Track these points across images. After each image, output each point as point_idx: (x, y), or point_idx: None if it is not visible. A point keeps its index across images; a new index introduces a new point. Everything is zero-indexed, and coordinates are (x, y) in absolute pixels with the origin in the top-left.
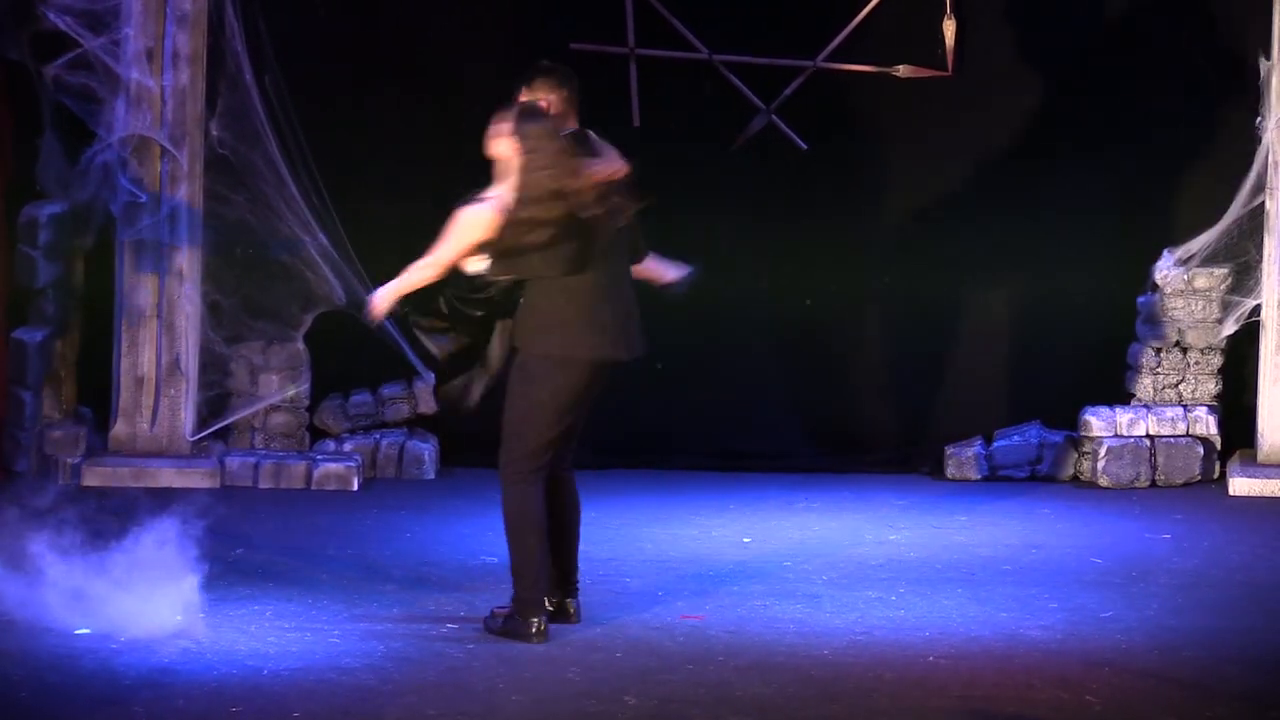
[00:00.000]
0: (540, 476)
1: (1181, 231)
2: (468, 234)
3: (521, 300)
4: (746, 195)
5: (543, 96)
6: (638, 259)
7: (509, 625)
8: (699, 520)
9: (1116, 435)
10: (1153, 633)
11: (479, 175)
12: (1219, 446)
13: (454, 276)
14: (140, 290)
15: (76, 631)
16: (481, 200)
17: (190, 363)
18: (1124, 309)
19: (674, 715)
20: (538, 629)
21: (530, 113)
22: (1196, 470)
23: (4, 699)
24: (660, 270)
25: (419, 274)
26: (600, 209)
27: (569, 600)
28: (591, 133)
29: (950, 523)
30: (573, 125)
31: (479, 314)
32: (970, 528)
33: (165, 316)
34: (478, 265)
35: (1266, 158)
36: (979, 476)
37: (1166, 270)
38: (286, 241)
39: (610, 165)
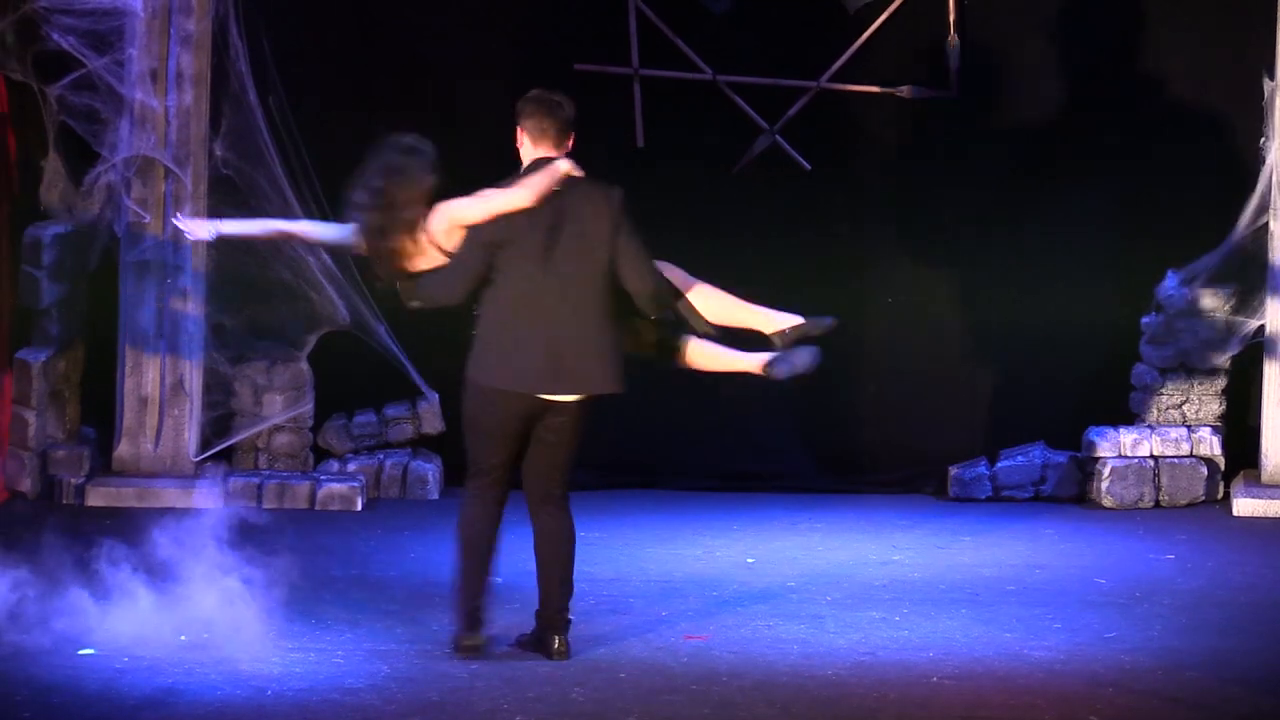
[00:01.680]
0: (484, 498)
1: (1186, 252)
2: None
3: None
4: (750, 216)
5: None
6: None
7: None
8: (703, 541)
9: (1121, 456)
10: (1157, 653)
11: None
12: (1223, 467)
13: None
14: (144, 310)
15: (80, 652)
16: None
17: (194, 383)
18: (1128, 329)
19: None
20: (460, 644)
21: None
22: (1200, 491)
23: None
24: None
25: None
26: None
27: (548, 633)
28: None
29: (954, 543)
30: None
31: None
32: (974, 548)
33: (169, 337)
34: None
35: (1271, 178)
36: (983, 497)
37: (1171, 291)
38: (290, 261)
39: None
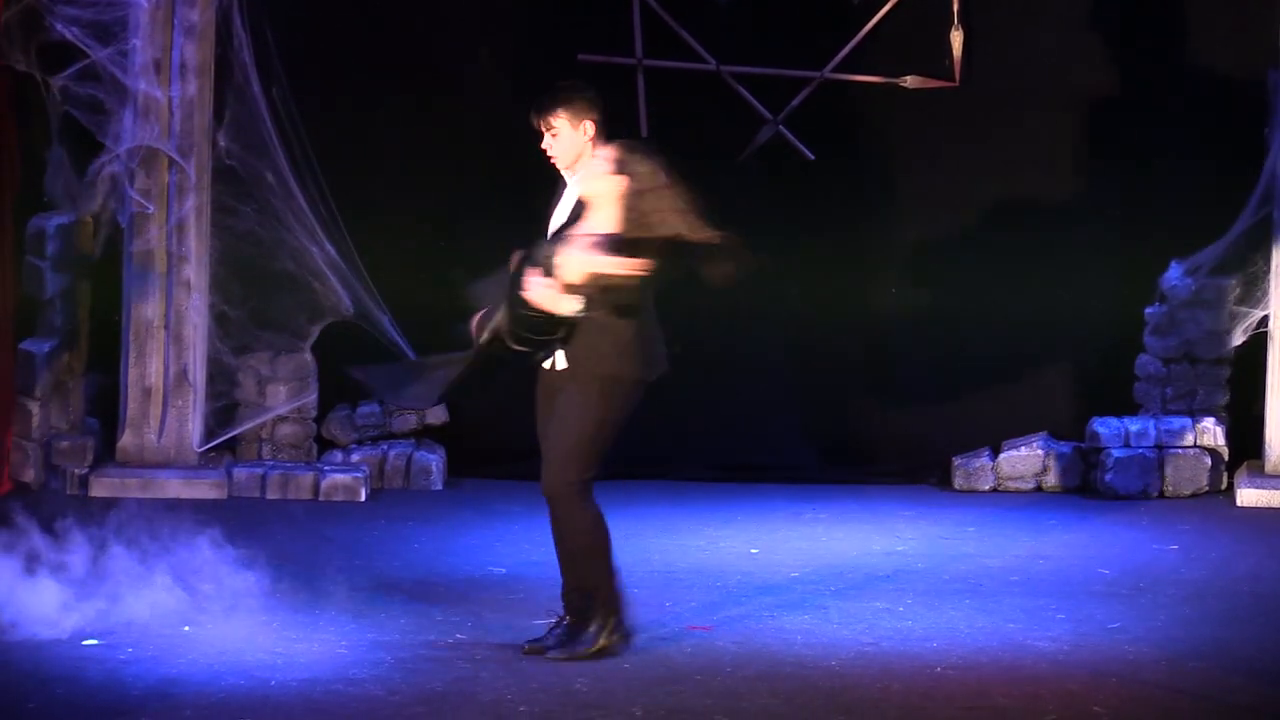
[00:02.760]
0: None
1: (1189, 243)
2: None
3: (584, 323)
4: (754, 206)
5: (588, 119)
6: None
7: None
8: (707, 531)
9: (1124, 446)
10: (1160, 644)
11: (485, 187)
12: (1227, 457)
13: (523, 315)
14: (147, 301)
15: (84, 642)
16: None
17: (198, 374)
18: (1132, 320)
19: None
20: (624, 637)
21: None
22: (1204, 481)
23: (11, 711)
24: None
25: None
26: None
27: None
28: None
29: (958, 534)
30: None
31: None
32: (978, 539)
33: (173, 327)
34: (572, 305)
35: (1275, 168)
36: (986, 487)
37: (1174, 281)
38: (294, 252)
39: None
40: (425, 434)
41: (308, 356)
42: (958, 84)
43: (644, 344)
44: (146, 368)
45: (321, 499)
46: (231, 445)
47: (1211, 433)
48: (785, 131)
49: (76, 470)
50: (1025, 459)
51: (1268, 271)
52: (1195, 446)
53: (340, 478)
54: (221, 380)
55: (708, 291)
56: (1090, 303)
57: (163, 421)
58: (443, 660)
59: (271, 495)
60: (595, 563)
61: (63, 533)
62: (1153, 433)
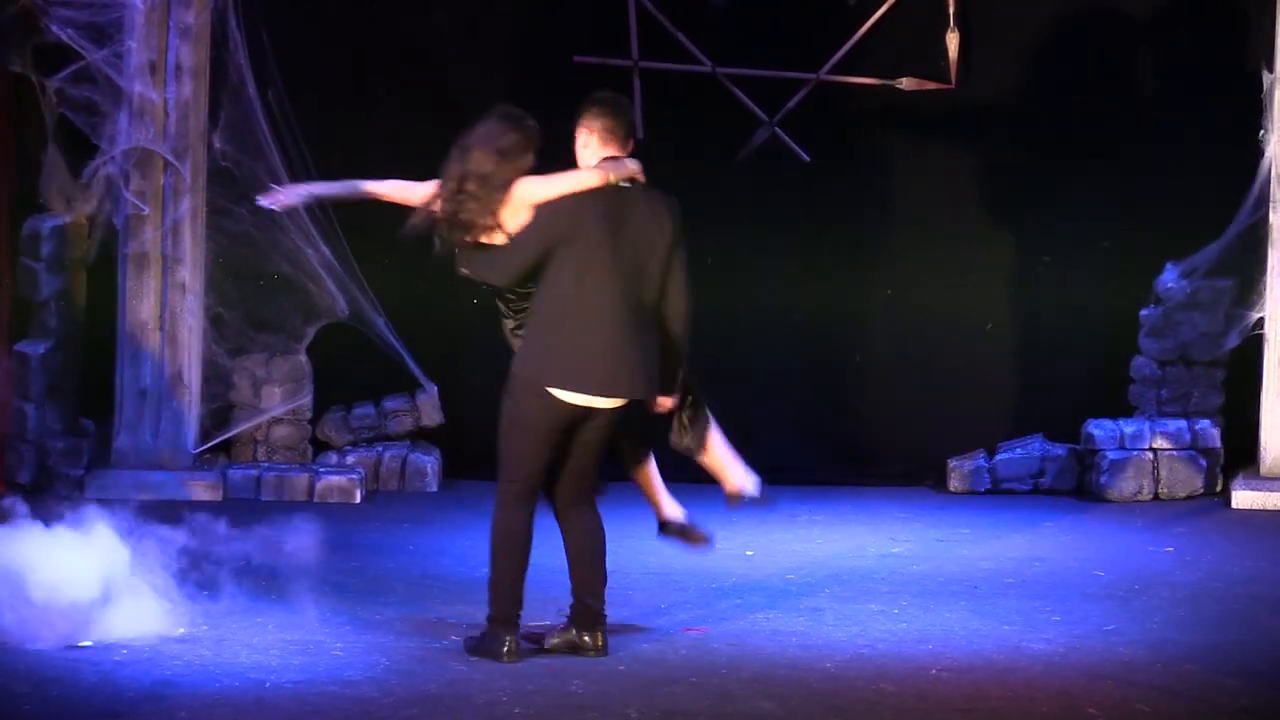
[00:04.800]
0: (525, 502)
1: (1185, 245)
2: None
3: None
4: (750, 207)
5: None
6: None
7: (481, 643)
8: None
9: (1120, 448)
10: (1155, 646)
11: None
12: (1222, 459)
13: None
14: (143, 303)
15: (79, 644)
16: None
17: (193, 375)
18: (1127, 322)
19: None
20: (508, 648)
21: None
22: (1199, 483)
23: (7, 713)
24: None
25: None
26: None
27: (584, 633)
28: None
29: (953, 536)
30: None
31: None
32: (973, 541)
33: (168, 329)
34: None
35: (1269, 171)
36: (982, 489)
37: (1170, 283)
38: (289, 253)
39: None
40: (420, 436)
41: (303, 358)
42: (953, 86)
43: (559, 350)
44: (141, 369)
45: (317, 500)
46: (226, 447)
47: (1207, 435)
48: (781, 133)
49: (72, 472)
50: (1021, 461)
51: (1263, 274)
52: (1190, 448)
53: (335, 479)
54: (216, 382)
55: (703, 294)
56: (1086, 305)
57: (158, 423)
58: (438, 662)
59: (266, 497)
60: (490, 565)
61: (57, 535)
62: (1148, 435)
